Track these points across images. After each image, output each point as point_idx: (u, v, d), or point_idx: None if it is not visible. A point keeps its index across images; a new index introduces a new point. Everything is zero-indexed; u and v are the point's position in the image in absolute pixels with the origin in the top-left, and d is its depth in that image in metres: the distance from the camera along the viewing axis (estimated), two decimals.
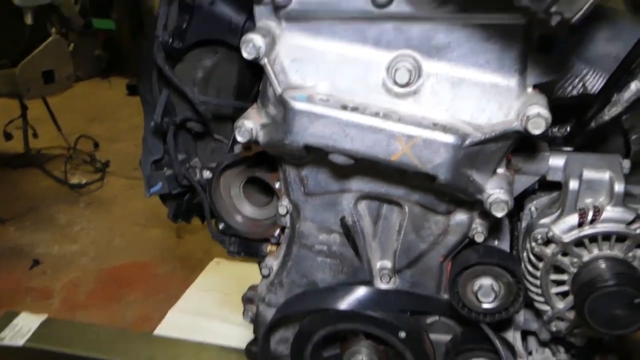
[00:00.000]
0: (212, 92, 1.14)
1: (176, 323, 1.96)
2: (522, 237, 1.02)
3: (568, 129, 1.03)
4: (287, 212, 1.08)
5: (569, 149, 1.01)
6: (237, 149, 1.14)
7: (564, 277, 0.95)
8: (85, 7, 4.57)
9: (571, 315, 0.98)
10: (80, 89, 4.79)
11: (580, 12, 0.57)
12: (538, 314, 1.04)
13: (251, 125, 0.94)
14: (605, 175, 0.91)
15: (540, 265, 0.95)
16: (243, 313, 1.23)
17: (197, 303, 2.07)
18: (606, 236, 0.91)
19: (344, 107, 0.86)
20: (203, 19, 1.04)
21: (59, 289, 2.51)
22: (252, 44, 0.86)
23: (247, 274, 1.34)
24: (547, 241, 0.94)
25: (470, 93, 0.85)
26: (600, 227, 0.90)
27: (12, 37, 3.09)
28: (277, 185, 1.10)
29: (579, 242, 0.92)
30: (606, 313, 0.88)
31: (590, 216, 0.90)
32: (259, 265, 1.19)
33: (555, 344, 1.15)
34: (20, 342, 1.80)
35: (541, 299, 0.99)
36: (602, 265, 0.91)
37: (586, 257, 0.92)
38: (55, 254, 2.78)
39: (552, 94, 0.95)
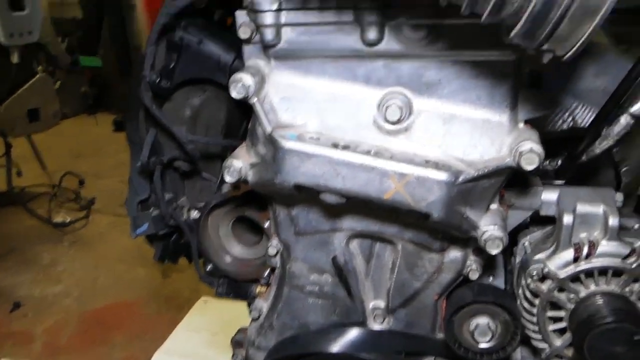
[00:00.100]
0: (201, 131, 1.13)
1: None
2: (517, 273, 1.01)
3: (559, 162, 1.03)
4: (277, 253, 1.06)
5: (560, 182, 1.01)
6: (226, 187, 1.12)
7: (561, 313, 0.94)
8: (72, 45, 4.60)
9: (569, 352, 0.97)
10: (67, 126, 4.76)
11: (573, 50, 0.57)
12: (535, 351, 1.02)
13: (240, 164, 0.92)
14: (600, 209, 0.91)
15: (537, 301, 0.94)
16: (232, 357, 1.20)
17: (184, 343, 2.02)
18: (602, 271, 0.90)
19: (335, 146, 0.85)
20: (191, 58, 1.04)
21: (41, 332, 2.44)
22: (242, 84, 0.86)
23: (236, 312, 1.31)
24: (543, 277, 0.93)
25: (462, 129, 0.85)
26: (596, 262, 0.90)
27: None
28: (266, 224, 1.09)
29: (575, 278, 0.91)
30: (605, 350, 0.87)
31: (585, 251, 0.90)
32: (249, 307, 1.16)
33: None
34: None
35: (538, 336, 0.97)
36: (600, 301, 0.90)
37: (583, 292, 0.92)
38: (37, 295, 2.72)
39: (543, 129, 0.95)
